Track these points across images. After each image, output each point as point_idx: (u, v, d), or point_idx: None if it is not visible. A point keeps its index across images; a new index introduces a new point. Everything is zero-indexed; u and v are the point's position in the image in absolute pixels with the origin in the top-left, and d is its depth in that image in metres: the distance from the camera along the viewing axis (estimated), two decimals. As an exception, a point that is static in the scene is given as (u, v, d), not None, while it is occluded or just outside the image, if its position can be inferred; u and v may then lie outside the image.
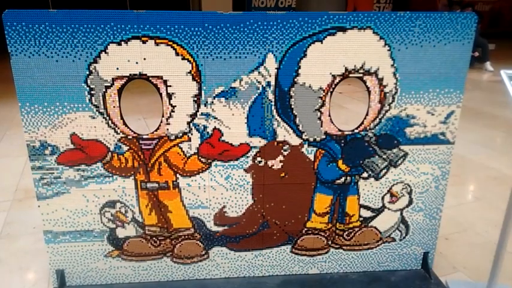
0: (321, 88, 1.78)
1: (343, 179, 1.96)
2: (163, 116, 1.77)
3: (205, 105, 1.76)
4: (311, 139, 1.87)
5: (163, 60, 1.67)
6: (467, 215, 2.74)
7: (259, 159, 1.88)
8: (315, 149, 1.89)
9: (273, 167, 1.90)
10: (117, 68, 1.67)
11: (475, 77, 7.24)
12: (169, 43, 1.66)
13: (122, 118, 1.76)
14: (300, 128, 1.84)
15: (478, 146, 3.99)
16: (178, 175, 1.87)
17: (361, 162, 1.93)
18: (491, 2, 12.99)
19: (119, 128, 1.77)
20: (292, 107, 1.80)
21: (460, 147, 3.28)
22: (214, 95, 1.75)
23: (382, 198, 2.01)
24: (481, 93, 6.06)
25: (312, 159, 1.91)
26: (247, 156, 1.87)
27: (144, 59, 1.67)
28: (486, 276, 1.93)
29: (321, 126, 1.85)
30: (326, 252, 2.10)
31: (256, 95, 1.77)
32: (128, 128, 1.78)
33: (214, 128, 1.80)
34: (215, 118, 1.79)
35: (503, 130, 4.54)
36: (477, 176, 3.38)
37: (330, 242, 2.08)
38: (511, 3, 13.15)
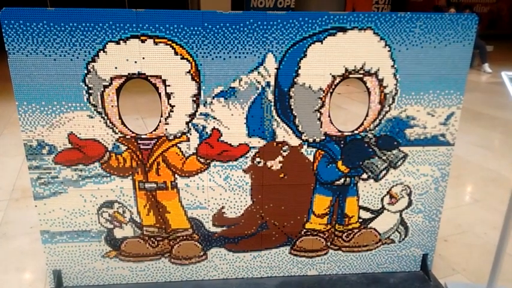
0: (320, 89, 1.77)
1: (342, 180, 1.95)
2: (161, 116, 1.76)
3: (204, 105, 1.75)
4: (311, 140, 1.86)
5: (162, 60, 1.66)
6: (466, 216, 2.73)
7: (258, 159, 1.87)
8: (314, 149, 1.88)
9: (272, 168, 1.89)
10: (116, 67, 1.65)
11: (474, 78, 7.25)
12: (169, 42, 1.65)
13: (120, 118, 1.75)
14: (300, 129, 1.83)
15: (476, 147, 3.99)
16: (176, 175, 1.85)
17: (360, 163, 1.92)
18: (490, 4, 13.02)
19: (117, 128, 1.76)
20: (292, 107, 1.79)
21: (459, 149, 3.27)
22: (213, 95, 1.74)
23: (382, 199, 2.01)
24: (479, 95, 6.07)
25: (312, 160, 1.90)
26: (246, 157, 1.86)
27: (143, 58, 1.65)
28: (485, 278, 1.93)
29: (321, 127, 1.84)
30: (325, 254, 2.09)
31: (256, 95, 1.76)
32: (126, 127, 1.77)
33: (213, 128, 1.79)
34: (214, 118, 1.78)
35: (502, 132, 4.55)
36: (476, 178, 3.38)
37: (329, 244, 2.07)
38: (509, 5, 13.18)
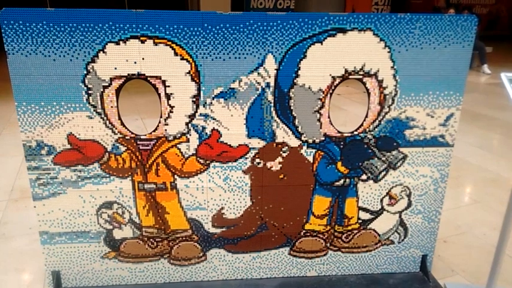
0: (320, 89, 1.77)
1: (342, 181, 1.95)
2: (161, 117, 1.75)
3: (204, 106, 1.75)
4: (310, 141, 1.86)
5: (162, 60, 1.66)
6: (465, 217, 2.74)
7: (258, 160, 1.86)
8: (314, 150, 1.88)
9: (271, 169, 1.89)
10: (115, 68, 1.65)
11: (473, 79, 7.26)
12: (168, 43, 1.65)
13: (119, 118, 1.74)
14: (299, 130, 1.83)
15: (475, 148, 4.00)
16: (176, 176, 1.85)
17: (360, 164, 1.92)
18: (489, 5, 13.03)
19: (116, 128, 1.75)
20: (292, 108, 1.79)
21: (458, 150, 3.27)
22: (213, 95, 1.74)
23: (381, 200, 2.01)
24: (478, 96, 6.08)
25: (311, 161, 1.90)
26: (246, 158, 1.85)
27: (143, 58, 1.65)
28: (484, 279, 1.93)
29: (320, 127, 1.84)
30: (324, 255, 2.09)
31: (256, 96, 1.76)
32: (126, 128, 1.77)
33: (213, 129, 1.79)
34: (214, 119, 1.78)
35: (501, 132, 4.55)
36: (475, 179, 3.38)
37: (328, 244, 2.07)
38: (508, 6, 13.20)
